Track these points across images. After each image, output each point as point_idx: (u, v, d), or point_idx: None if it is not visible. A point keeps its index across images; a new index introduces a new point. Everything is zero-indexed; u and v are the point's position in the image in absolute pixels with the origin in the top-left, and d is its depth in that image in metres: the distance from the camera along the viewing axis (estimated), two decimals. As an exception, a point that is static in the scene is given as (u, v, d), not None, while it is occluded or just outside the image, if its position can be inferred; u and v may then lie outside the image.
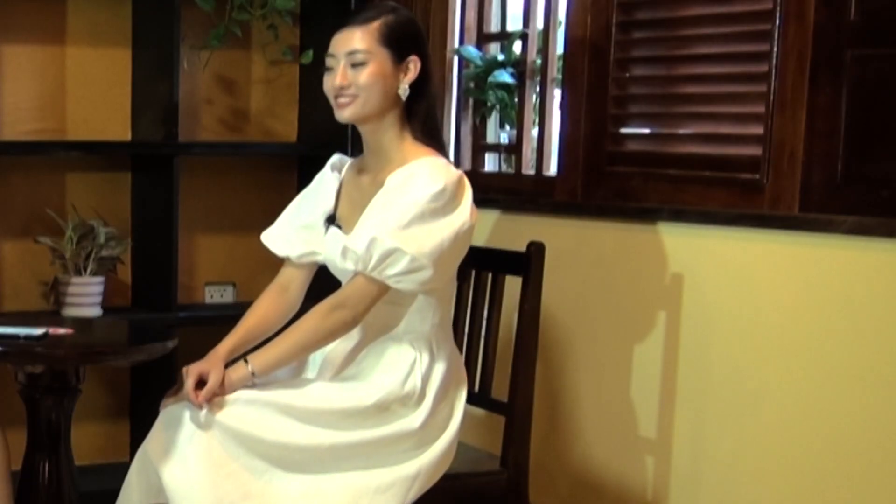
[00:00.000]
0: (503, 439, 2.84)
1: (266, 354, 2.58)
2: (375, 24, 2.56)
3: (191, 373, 2.52)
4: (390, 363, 2.60)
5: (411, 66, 2.58)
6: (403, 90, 2.58)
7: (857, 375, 2.73)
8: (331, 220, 2.69)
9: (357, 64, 2.55)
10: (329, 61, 2.60)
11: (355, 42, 2.56)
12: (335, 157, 2.80)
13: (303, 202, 2.79)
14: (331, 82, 2.59)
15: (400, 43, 2.57)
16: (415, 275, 2.50)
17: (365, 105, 2.56)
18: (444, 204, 2.51)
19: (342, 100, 2.58)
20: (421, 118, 2.62)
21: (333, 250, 2.63)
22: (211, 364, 2.54)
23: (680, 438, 3.12)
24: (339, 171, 2.76)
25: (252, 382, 2.55)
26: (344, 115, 2.59)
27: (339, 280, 2.70)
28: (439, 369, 2.62)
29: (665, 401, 3.14)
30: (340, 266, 2.57)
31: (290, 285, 2.77)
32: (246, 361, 2.56)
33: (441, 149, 2.64)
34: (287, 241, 2.76)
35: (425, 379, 2.59)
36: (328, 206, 2.71)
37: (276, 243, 2.78)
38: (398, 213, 2.48)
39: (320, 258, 2.74)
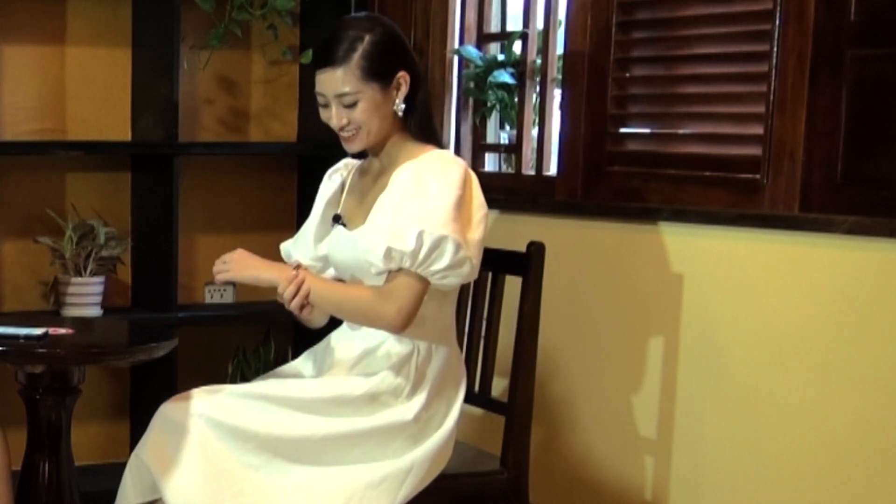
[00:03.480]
0: (503, 439, 2.84)
1: (316, 276, 2.62)
2: (355, 60, 2.53)
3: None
4: (386, 355, 2.61)
5: (401, 82, 2.58)
6: (399, 107, 2.59)
7: (857, 375, 2.73)
8: (336, 218, 2.72)
9: (348, 105, 2.56)
10: (320, 99, 2.61)
11: (339, 85, 2.54)
12: (340, 163, 2.83)
13: (310, 218, 2.83)
14: (328, 120, 2.61)
15: (383, 68, 2.55)
16: (460, 269, 2.50)
17: (369, 135, 2.59)
18: (466, 192, 2.53)
19: (346, 134, 2.60)
20: (418, 120, 2.64)
21: (339, 248, 2.67)
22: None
23: (680, 438, 3.12)
24: (341, 173, 2.79)
25: (294, 271, 2.57)
26: (353, 148, 2.63)
27: (341, 277, 2.74)
28: (436, 364, 2.62)
29: (665, 401, 3.15)
30: (372, 266, 2.52)
31: None
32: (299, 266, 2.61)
33: (440, 145, 2.66)
34: (310, 265, 2.80)
35: (420, 373, 2.60)
36: (333, 211, 2.76)
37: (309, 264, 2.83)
38: (434, 203, 2.47)
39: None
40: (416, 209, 2.48)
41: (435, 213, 2.46)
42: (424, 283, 2.51)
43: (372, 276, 2.56)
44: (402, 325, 2.52)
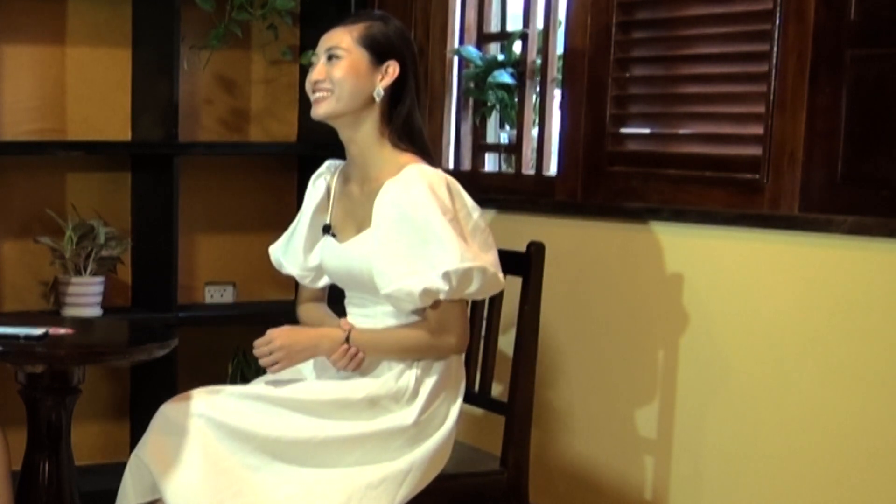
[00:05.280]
0: (503, 439, 2.84)
1: (367, 333, 2.63)
2: (359, 26, 2.63)
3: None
4: (389, 361, 2.62)
5: (389, 69, 2.62)
6: (378, 92, 2.61)
7: (856, 375, 2.73)
8: (326, 229, 2.75)
9: (333, 57, 2.61)
10: (313, 60, 2.68)
11: (335, 40, 2.63)
12: (323, 166, 2.83)
13: (298, 228, 2.84)
14: (308, 77, 2.66)
15: (380, 47, 2.62)
16: (491, 289, 2.62)
17: (339, 101, 2.61)
18: (457, 208, 2.57)
19: (317, 95, 2.64)
20: (398, 124, 2.65)
21: (331, 258, 2.71)
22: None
23: (680, 438, 3.12)
24: (325, 178, 2.80)
25: (345, 343, 2.59)
26: (319, 111, 2.64)
27: (337, 284, 2.78)
28: (437, 368, 2.63)
29: (665, 401, 3.15)
30: (410, 304, 2.57)
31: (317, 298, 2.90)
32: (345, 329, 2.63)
33: (422, 152, 2.66)
34: (302, 275, 2.85)
35: (420, 377, 2.61)
36: (323, 220, 2.78)
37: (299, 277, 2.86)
38: (443, 244, 2.51)
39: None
40: (428, 253, 2.52)
41: (449, 252, 2.51)
42: (463, 301, 2.61)
43: (368, 286, 2.59)
44: (465, 347, 2.67)
